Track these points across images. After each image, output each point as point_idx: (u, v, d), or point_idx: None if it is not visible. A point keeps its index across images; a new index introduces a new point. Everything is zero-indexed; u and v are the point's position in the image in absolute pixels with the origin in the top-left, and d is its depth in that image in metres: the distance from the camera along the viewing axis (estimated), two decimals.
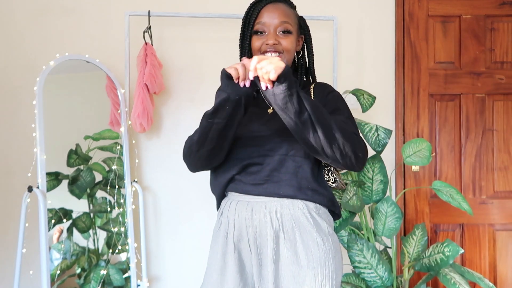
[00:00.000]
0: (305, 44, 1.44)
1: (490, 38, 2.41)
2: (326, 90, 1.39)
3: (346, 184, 1.88)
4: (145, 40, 2.16)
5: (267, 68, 1.11)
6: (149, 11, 2.18)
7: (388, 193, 1.99)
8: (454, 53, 2.42)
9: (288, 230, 1.23)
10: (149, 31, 2.17)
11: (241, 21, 1.37)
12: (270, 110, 1.34)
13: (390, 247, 2.01)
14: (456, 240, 2.39)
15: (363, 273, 1.84)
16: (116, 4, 2.29)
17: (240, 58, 1.35)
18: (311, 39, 1.43)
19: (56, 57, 2.00)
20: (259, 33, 1.33)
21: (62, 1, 2.28)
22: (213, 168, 1.35)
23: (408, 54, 2.40)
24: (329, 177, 1.38)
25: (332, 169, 1.39)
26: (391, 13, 2.41)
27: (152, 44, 2.17)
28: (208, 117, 1.21)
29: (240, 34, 1.37)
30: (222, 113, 1.19)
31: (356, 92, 2.03)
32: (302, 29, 1.41)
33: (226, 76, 1.17)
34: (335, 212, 1.34)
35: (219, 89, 1.19)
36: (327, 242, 1.24)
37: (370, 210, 2.04)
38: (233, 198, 1.31)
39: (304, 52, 1.44)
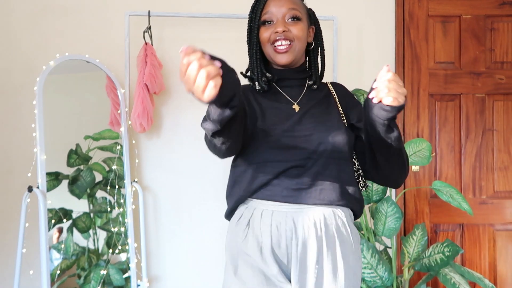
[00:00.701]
0: (314, 38, 1.34)
1: (490, 38, 2.41)
2: (349, 93, 1.35)
3: None
4: (145, 40, 2.16)
5: (402, 90, 1.03)
6: (149, 11, 2.18)
7: (388, 193, 1.99)
8: (454, 53, 2.42)
9: (330, 241, 1.16)
10: (149, 31, 2.17)
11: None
12: (295, 107, 1.26)
13: (390, 247, 2.01)
14: (456, 240, 2.38)
15: (363, 273, 1.84)
16: (116, 4, 2.29)
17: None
18: (321, 32, 1.35)
19: (56, 57, 2.00)
20: (266, 23, 1.25)
21: (62, 1, 2.28)
22: (240, 170, 1.23)
23: (408, 54, 2.40)
24: (359, 181, 1.31)
25: (361, 173, 1.31)
26: (391, 13, 2.41)
27: (152, 44, 2.17)
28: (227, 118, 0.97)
29: (248, 29, 1.31)
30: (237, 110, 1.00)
31: (356, 92, 2.02)
32: (312, 20, 1.33)
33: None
34: (356, 214, 1.29)
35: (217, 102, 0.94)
36: (359, 250, 1.22)
37: (370, 210, 2.04)
38: (263, 207, 1.18)
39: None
